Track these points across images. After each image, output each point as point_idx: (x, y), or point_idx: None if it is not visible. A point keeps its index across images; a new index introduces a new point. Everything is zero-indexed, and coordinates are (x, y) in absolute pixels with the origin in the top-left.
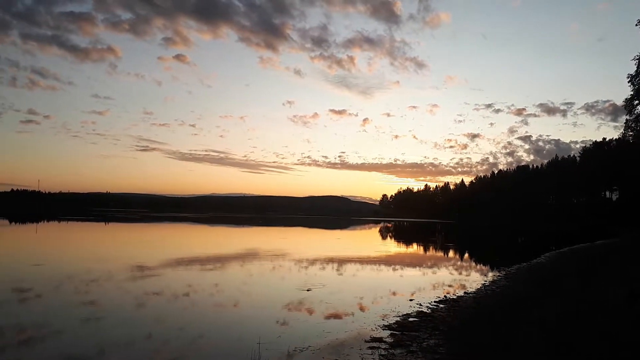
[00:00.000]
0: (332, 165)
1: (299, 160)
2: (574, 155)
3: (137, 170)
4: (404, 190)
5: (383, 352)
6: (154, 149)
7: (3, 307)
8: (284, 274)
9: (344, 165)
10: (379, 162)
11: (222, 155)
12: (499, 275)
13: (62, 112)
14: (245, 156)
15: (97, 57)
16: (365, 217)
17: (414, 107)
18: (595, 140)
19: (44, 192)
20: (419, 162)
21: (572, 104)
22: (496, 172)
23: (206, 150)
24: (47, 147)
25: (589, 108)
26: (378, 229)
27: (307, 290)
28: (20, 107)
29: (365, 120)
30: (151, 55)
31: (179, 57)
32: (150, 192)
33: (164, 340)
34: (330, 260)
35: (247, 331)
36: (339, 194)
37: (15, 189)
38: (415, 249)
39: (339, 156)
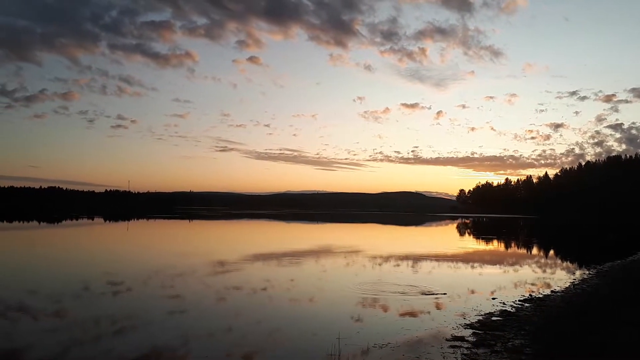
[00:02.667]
0: (405, 161)
1: (370, 156)
2: None
3: (217, 169)
4: (482, 185)
5: (465, 351)
6: (231, 149)
7: (99, 300)
8: (358, 270)
9: (418, 160)
10: (455, 156)
11: (295, 153)
12: (589, 274)
13: (147, 116)
14: (317, 154)
15: (177, 63)
16: (441, 213)
17: (490, 97)
18: None
19: (133, 192)
20: (497, 155)
21: None
22: (583, 163)
23: (280, 149)
24: (135, 150)
25: None
26: (455, 225)
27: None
28: (111, 113)
29: (438, 113)
30: (226, 59)
31: (252, 59)
32: (230, 190)
33: (243, 334)
34: (405, 257)
35: (323, 326)
36: (413, 190)
37: (108, 189)
38: (495, 246)
39: (412, 151)
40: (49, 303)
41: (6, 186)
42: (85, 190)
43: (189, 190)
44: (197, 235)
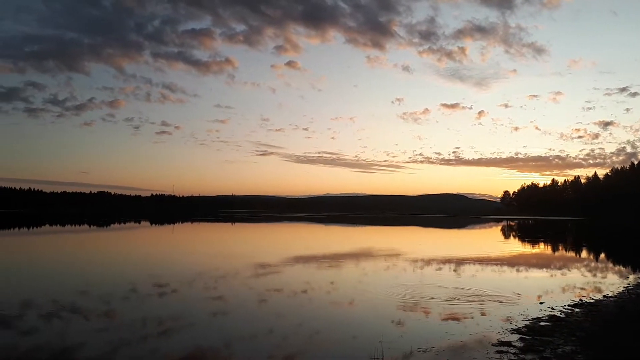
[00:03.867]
0: (446, 162)
1: (410, 158)
2: None
3: (258, 173)
4: (527, 186)
5: (512, 357)
6: (271, 153)
7: (146, 301)
8: (398, 273)
9: (459, 161)
10: (498, 157)
11: (334, 156)
12: None
13: (189, 122)
14: (356, 156)
15: (217, 69)
16: (484, 215)
17: (534, 95)
18: None
19: (178, 195)
20: (543, 155)
21: None
22: (636, 162)
23: (319, 152)
24: (179, 155)
25: None
26: (499, 227)
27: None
28: (155, 120)
29: (480, 112)
30: (265, 64)
31: (290, 63)
32: (270, 193)
33: (284, 335)
34: (447, 260)
35: (364, 329)
36: (455, 192)
37: (154, 193)
38: (541, 248)
39: (453, 152)
40: (99, 304)
41: (59, 191)
42: (132, 194)
43: (231, 194)
44: (239, 237)
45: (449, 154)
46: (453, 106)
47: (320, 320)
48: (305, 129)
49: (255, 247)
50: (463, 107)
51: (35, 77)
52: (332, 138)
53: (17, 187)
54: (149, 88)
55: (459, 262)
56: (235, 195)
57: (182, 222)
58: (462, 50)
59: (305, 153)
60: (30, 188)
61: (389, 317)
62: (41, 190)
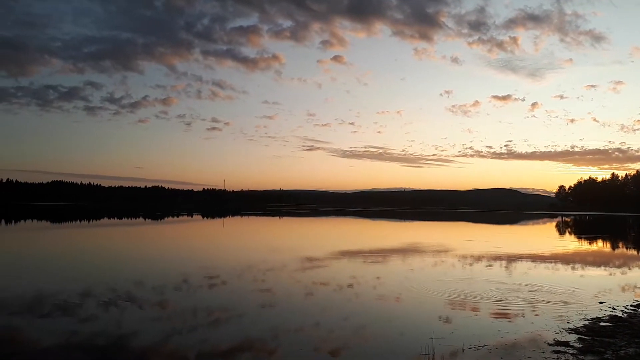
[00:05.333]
0: (498, 156)
1: (460, 151)
2: None
3: (305, 168)
4: (585, 181)
5: (571, 358)
6: (318, 148)
7: (197, 292)
8: (447, 269)
9: (512, 155)
10: (553, 150)
11: (380, 150)
12: None
13: (238, 118)
14: (403, 150)
15: (264, 66)
16: (538, 211)
17: (592, 86)
18: None
19: (228, 190)
20: (601, 148)
21: None
22: None
23: (365, 147)
24: (228, 151)
25: None
26: (554, 224)
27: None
28: (206, 116)
29: (533, 104)
30: (311, 59)
31: (336, 58)
32: (317, 188)
33: (330, 329)
34: (498, 257)
35: (411, 325)
36: (507, 187)
37: (206, 188)
38: (599, 246)
39: (505, 145)
40: (153, 294)
41: (116, 186)
42: (184, 189)
43: (278, 189)
44: (286, 231)
45: (501, 148)
46: (505, 98)
47: (367, 314)
48: (352, 124)
49: (302, 241)
50: (515, 99)
51: (94, 77)
52: (379, 132)
53: (78, 182)
54: (199, 85)
55: (511, 258)
56: (282, 190)
57: (232, 216)
58: (514, 40)
59: (351, 148)
60: (90, 183)
61: (437, 313)
62: (99, 185)
